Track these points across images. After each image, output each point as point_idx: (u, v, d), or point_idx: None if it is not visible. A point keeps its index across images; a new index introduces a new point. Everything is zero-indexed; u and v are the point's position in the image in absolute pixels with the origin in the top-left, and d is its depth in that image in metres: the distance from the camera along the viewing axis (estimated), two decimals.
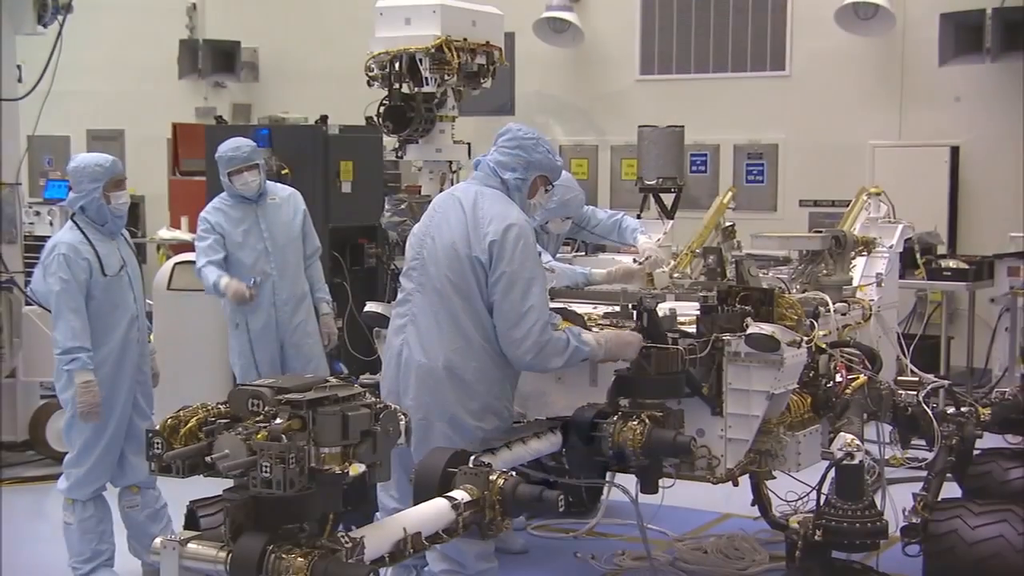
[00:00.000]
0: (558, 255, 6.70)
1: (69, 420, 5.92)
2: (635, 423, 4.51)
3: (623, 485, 4.77)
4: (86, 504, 5.93)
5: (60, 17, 8.37)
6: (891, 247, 6.40)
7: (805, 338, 5.03)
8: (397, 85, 5.15)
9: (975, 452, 5.86)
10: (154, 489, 6.10)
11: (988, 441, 5.94)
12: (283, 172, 8.66)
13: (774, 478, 5.43)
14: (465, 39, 5.19)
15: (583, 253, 7.37)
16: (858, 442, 4.48)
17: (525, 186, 4.81)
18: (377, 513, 4.80)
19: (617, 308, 5.23)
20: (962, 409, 5.72)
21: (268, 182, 7.17)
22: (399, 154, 5.77)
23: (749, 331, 4.82)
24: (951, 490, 5.74)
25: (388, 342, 4.87)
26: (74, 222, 5.91)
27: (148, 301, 6.42)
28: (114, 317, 5.88)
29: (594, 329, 5.03)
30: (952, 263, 10.04)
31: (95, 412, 5.76)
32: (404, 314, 4.77)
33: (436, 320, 4.65)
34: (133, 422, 5.99)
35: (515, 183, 4.78)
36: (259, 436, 3.19)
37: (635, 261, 6.04)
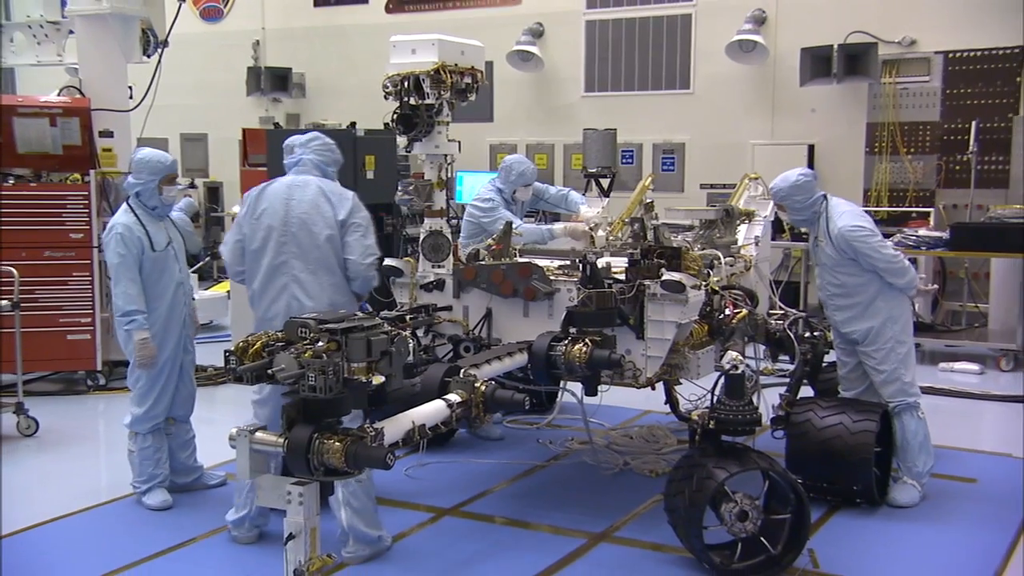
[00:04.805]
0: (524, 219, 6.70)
1: (131, 368, 5.41)
2: (581, 345, 4.50)
3: (572, 390, 4.77)
4: (145, 436, 5.41)
5: (160, 50, 8.29)
6: (765, 217, 6.37)
7: (704, 283, 5.03)
8: (406, 98, 5.08)
9: (823, 365, 5.90)
10: (187, 424, 5.65)
11: (833, 356, 5.95)
12: None
13: (681, 384, 5.43)
14: (456, 64, 5.10)
15: (543, 223, 7.35)
16: (741, 358, 4.47)
17: (335, 174, 4.93)
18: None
19: (568, 262, 5.22)
20: (815, 334, 5.74)
21: None
22: (408, 150, 5.67)
23: (663, 278, 4.81)
24: (806, 392, 5.78)
25: (265, 305, 4.72)
26: (129, 205, 5.36)
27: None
28: (162, 284, 5.36)
29: (551, 278, 5.02)
30: None
31: (151, 363, 5.32)
32: (283, 274, 4.67)
33: (315, 275, 4.65)
34: (181, 364, 5.51)
35: (330, 173, 4.90)
36: (307, 355, 3.17)
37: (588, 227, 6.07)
